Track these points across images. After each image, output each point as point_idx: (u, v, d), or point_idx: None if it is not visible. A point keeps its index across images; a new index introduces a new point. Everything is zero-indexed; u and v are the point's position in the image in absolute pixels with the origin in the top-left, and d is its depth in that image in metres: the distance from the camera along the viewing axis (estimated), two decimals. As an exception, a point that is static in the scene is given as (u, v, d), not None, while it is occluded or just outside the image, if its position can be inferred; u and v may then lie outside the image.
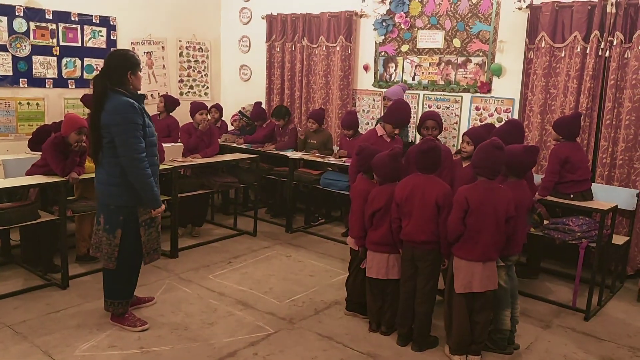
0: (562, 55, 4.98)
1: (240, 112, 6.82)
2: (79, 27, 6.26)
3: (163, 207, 3.50)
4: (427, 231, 3.27)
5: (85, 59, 6.33)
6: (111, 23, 6.55)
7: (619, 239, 4.41)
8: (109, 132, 3.26)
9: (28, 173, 4.29)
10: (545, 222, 4.24)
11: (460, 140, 4.74)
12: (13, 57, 5.78)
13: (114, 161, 3.31)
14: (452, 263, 3.24)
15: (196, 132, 5.47)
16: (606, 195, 4.46)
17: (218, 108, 6.69)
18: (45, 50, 6.01)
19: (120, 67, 3.32)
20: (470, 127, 4.13)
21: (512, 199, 3.16)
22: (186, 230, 5.63)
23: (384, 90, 6.04)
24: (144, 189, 3.31)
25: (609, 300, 4.35)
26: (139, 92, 3.42)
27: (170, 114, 6.24)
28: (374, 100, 6.35)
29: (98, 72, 3.53)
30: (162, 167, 4.78)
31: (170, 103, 6.24)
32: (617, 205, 4.16)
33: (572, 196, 4.14)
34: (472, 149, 3.76)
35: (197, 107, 5.52)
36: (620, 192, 4.60)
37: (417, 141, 5.09)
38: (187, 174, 5.51)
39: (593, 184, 4.40)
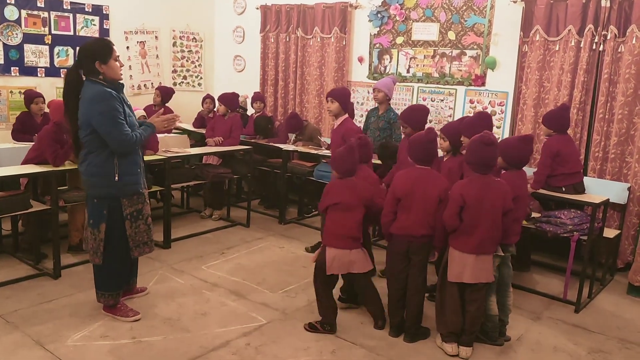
0: (557, 48, 4.99)
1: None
2: (71, 15, 6.21)
3: (170, 116, 3.60)
4: (426, 225, 3.30)
5: (77, 48, 6.25)
6: (104, 12, 6.50)
7: (610, 232, 4.46)
8: (89, 124, 3.18)
9: (24, 162, 4.24)
10: (537, 215, 4.26)
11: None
12: (4, 45, 5.72)
13: (95, 151, 3.26)
14: (447, 252, 3.27)
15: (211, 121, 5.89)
16: (598, 189, 4.48)
17: (212, 99, 6.73)
18: (37, 39, 5.96)
19: (87, 57, 3.22)
20: (446, 123, 4.18)
21: (508, 192, 3.17)
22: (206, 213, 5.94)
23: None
24: (144, 140, 3.43)
25: (599, 292, 4.39)
26: (118, 81, 3.31)
27: (166, 104, 6.22)
28: (368, 92, 6.33)
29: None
30: (155, 157, 4.79)
31: (165, 94, 6.24)
32: (608, 199, 4.19)
33: (564, 189, 4.16)
34: (447, 145, 3.88)
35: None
36: (612, 185, 4.63)
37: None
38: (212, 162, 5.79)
39: (585, 177, 4.43)
